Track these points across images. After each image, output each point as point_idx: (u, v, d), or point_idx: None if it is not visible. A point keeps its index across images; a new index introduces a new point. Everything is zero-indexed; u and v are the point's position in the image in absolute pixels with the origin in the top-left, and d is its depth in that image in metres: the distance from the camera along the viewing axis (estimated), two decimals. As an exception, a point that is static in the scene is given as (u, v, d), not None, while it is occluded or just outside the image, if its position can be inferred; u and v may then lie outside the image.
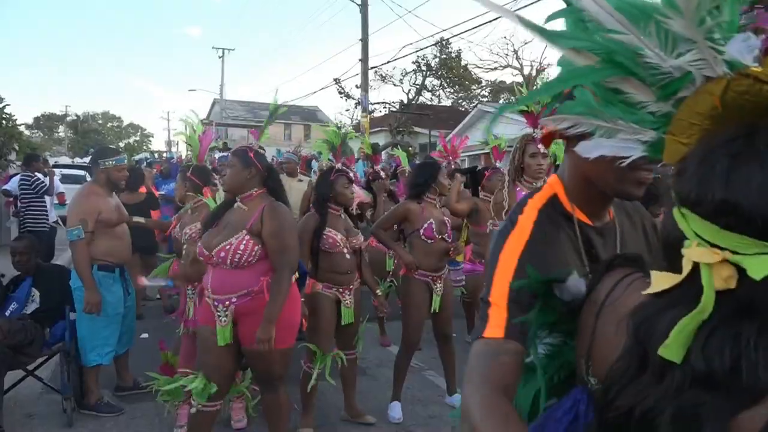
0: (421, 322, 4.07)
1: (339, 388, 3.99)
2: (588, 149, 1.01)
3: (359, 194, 5.42)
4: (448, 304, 4.16)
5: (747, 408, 0.70)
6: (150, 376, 3.43)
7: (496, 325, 1.13)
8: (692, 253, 0.77)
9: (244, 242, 2.86)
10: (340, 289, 3.75)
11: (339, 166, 3.97)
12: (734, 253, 0.73)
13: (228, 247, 2.87)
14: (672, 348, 0.74)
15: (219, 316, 2.90)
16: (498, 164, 4.75)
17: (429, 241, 3.98)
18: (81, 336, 3.98)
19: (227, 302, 2.89)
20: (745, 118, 0.79)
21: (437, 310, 4.08)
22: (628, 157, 0.98)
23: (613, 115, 0.96)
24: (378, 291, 4.06)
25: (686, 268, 0.78)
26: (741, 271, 0.73)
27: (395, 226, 4.26)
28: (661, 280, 0.83)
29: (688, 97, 0.85)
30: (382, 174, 6.01)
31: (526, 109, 3.50)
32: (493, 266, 1.23)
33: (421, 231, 3.98)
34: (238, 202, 3.02)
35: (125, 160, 4.20)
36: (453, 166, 5.76)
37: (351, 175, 3.89)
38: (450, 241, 4.12)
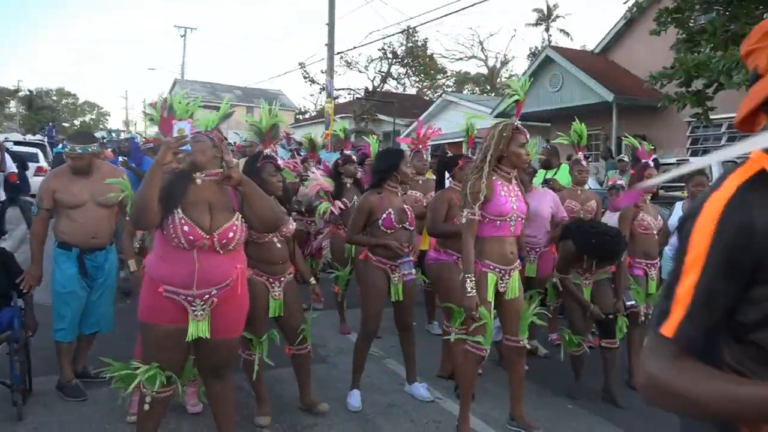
0: (380, 309, 4.03)
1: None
2: None
3: (320, 182, 5.34)
4: (411, 294, 4.12)
5: None
6: (104, 361, 3.28)
7: (670, 324, 1.09)
8: None
9: (239, 223, 2.83)
10: (270, 279, 3.63)
11: (268, 152, 3.73)
12: None
13: (235, 227, 2.81)
14: None
15: (195, 311, 2.74)
16: (469, 153, 4.62)
17: (389, 231, 3.93)
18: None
19: (206, 296, 2.76)
20: None
21: (399, 299, 4.05)
22: None
23: None
24: (311, 279, 4.00)
25: None
26: None
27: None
28: None
29: None
30: (354, 158, 5.94)
31: (519, 98, 3.60)
32: (682, 253, 1.12)
33: (380, 221, 3.91)
34: (201, 177, 2.83)
35: (78, 150, 4.00)
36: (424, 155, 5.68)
37: (279, 162, 3.71)
38: (412, 228, 4.07)
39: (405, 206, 4.02)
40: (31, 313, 3.95)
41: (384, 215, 3.90)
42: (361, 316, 4.07)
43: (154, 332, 2.78)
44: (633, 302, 4.51)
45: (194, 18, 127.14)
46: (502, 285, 3.54)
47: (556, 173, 6.42)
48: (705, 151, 14.88)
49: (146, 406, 2.83)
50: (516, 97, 3.67)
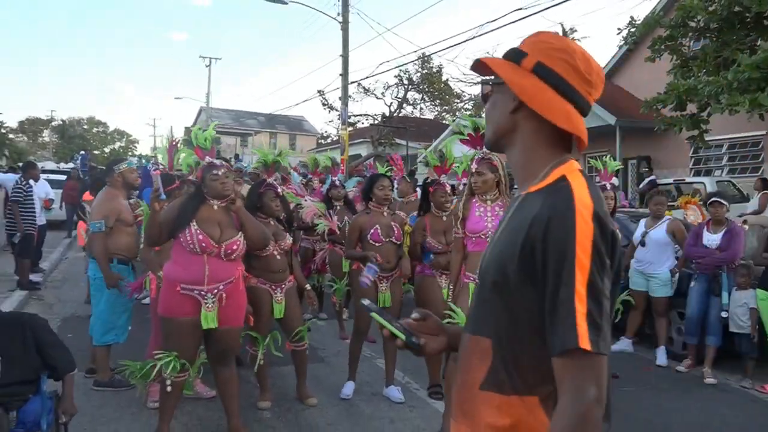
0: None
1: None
2: None
3: (311, 207, 6.07)
4: (394, 303, 4.66)
5: None
6: (122, 364, 3.91)
7: None
8: None
9: (241, 240, 3.63)
10: (273, 286, 4.30)
11: (270, 180, 4.43)
12: None
13: (239, 242, 3.61)
14: None
15: (206, 303, 3.47)
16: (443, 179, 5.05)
17: (377, 244, 4.55)
18: (99, 320, 4.58)
19: (215, 290, 3.49)
20: None
21: (386, 306, 4.61)
22: None
23: None
24: (306, 286, 4.63)
25: None
26: None
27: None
28: None
29: None
30: (337, 182, 6.63)
31: (462, 136, 4.12)
32: None
33: (369, 236, 4.57)
34: (214, 202, 3.59)
35: (135, 164, 4.87)
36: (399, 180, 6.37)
37: (279, 190, 4.39)
38: (399, 243, 4.64)
39: (392, 223, 4.64)
40: (71, 399, 3.01)
41: (372, 230, 4.56)
42: (354, 316, 4.75)
43: (174, 324, 3.52)
44: None
45: (219, 49, 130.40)
46: None
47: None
48: (707, 171, 15.30)
49: (168, 388, 3.53)
50: (459, 137, 4.15)
